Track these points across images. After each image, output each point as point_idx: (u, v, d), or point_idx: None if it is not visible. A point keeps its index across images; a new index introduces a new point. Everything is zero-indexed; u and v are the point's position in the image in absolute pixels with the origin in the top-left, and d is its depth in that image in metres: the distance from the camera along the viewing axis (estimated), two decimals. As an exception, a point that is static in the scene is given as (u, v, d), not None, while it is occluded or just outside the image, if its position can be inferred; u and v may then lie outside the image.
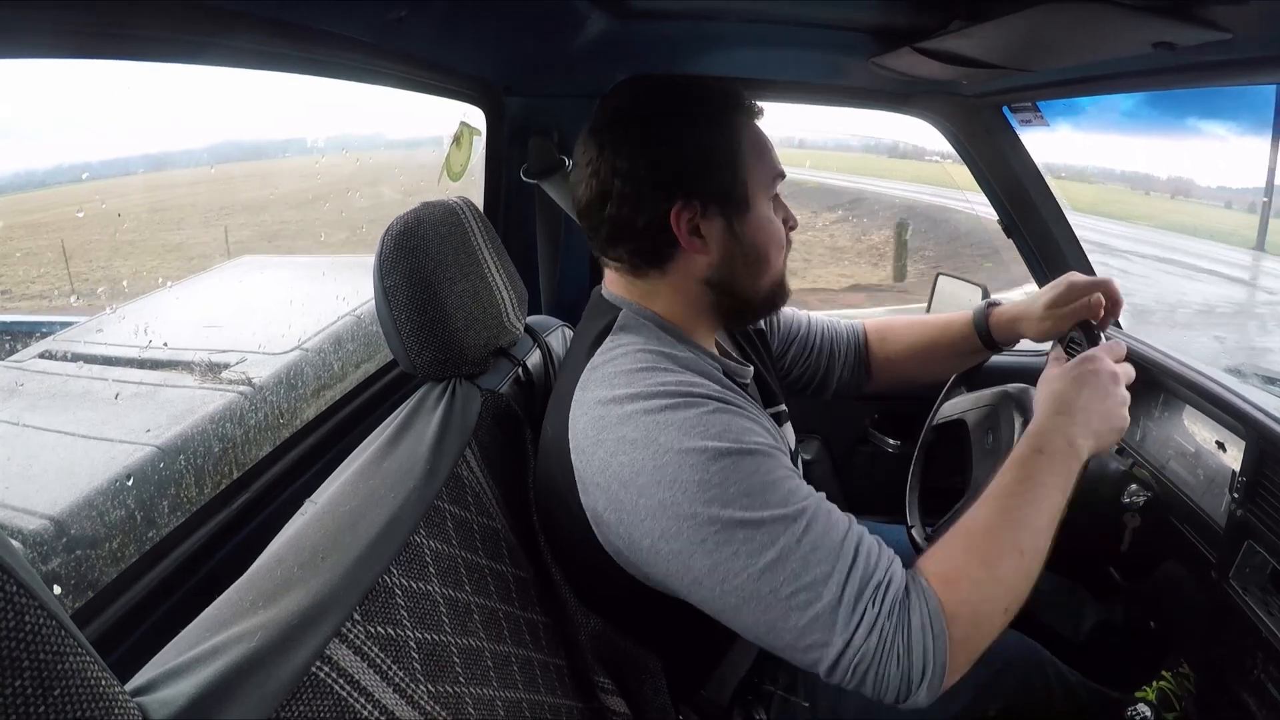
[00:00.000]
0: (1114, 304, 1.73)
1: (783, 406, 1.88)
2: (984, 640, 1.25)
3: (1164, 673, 2.01)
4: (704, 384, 1.36)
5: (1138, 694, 1.99)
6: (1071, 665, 1.88)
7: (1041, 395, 1.52)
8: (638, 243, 1.51)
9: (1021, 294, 2.82)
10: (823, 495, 1.31)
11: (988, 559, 1.28)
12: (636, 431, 1.29)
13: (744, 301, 1.57)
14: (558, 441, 1.42)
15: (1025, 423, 1.86)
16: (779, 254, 1.56)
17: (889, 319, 2.19)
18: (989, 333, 1.95)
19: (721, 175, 1.48)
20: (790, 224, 1.60)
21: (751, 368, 1.71)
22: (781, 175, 1.57)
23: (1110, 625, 2.23)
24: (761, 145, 1.54)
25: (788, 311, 2.13)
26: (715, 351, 1.61)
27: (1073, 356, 1.59)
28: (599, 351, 1.46)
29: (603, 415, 1.35)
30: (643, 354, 1.42)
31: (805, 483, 1.31)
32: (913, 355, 2.12)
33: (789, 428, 1.87)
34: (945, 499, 1.96)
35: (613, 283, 1.60)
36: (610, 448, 1.31)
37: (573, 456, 1.38)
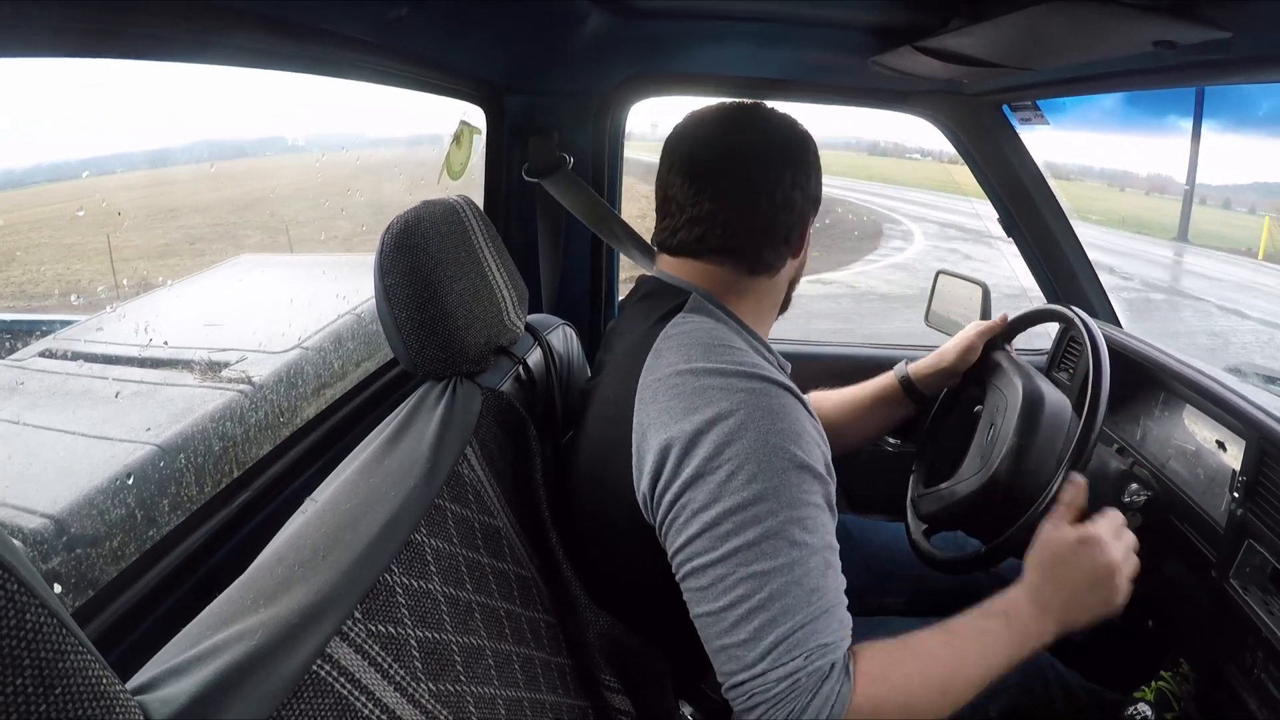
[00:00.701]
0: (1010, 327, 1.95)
1: None
2: None
3: (1163, 673, 2.01)
4: (777, 372, 1.41)
5: (1137, 694, 1.99)
6: (1071, 665, 1.88)
7: (1037, 556, 1.51)
8: (775, 250, 1.60)
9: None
10: (830, 541, 1.33)
11: (911, 681, 1.32)
12: (724, 398, 1.33)
13: (784, 305, 1.75)
14: (620, 405, 1.46)
15: (1022, 422, 1.87)
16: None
17: (814, 394, 2.23)
18: (912, 386, 2.07)
19: (819, 191, 1.64)
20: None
21: (789, 364, 1.72)
22: None
23: (1108, 625, 2.23)
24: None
25: None
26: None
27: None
28: (672, 323, 1.50)
29: (681, 382, 1.38)
30: (721, 330, 1.47)
31: (827, 518, 1.34)
32: (839, 411, 2.18)
33: None
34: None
35: (685, 270, 1.63)
36: (688, 402, 1.35)
37: (636, 413, 1.41)
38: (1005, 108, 2.62)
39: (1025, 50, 1.76)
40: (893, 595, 2.24)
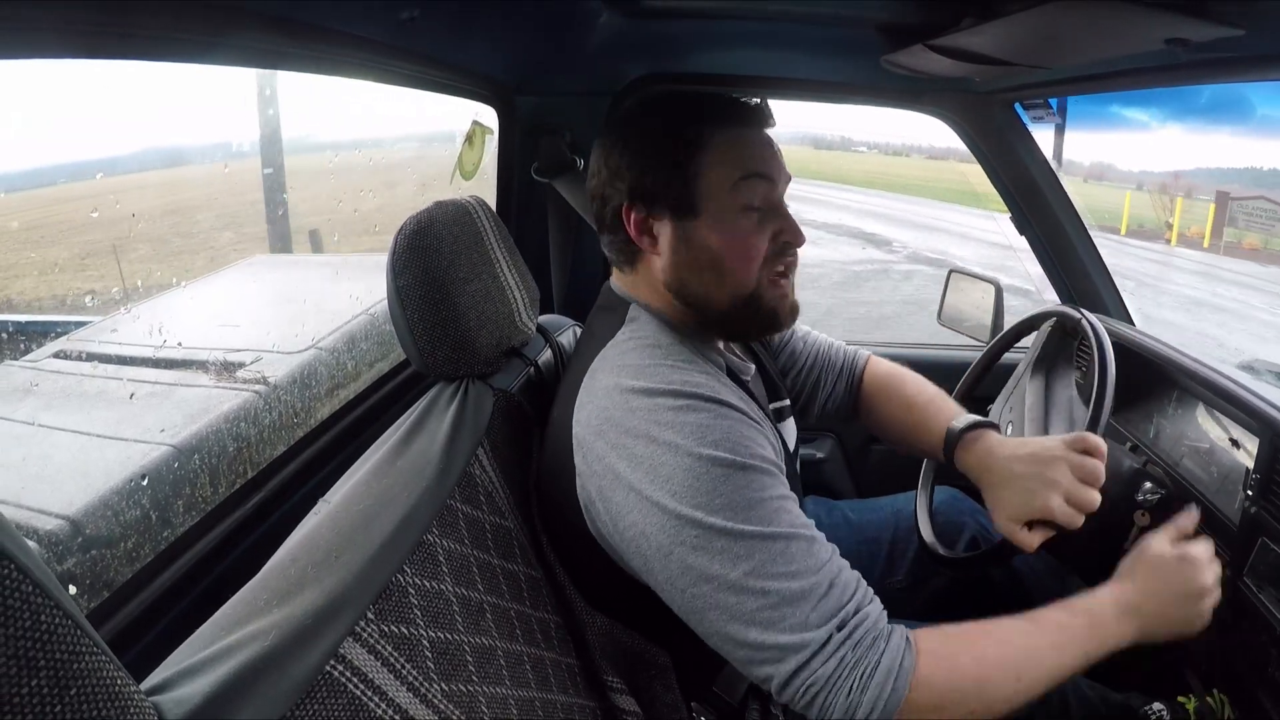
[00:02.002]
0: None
1: (786, 401, 1.90)
2: None
3: (1208, 696, 1.99)
4: (708, 385, 1.39)
5: (1180, 699, 1.98)
6: (1090, 676, 1.87)
7: (1133, 563, 1.51)
8: (610, 235, 1.59)
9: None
10: (812, 523, 1.33)
11: (984, 663, 1.30)
12: (639, 426, 1.33)
13: (708, 312, 1.57)
14: (562, 427, 1.45)
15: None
16: (744, 264, 1.54)
17: (893, 373, 2.12)
18: (953, 460, 1.80)
19: (667, 180, 1.52)
20: (783, 238, 1.56)
21: (753, 365, 1.73)
22: (765, 177, 1.54)
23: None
24: (732, 149, 1.53)
25: None
26: (719, 347, 1.63)
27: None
28: (610, 343, 1.50)
29: (606, 406, 1.38)
30: (651, 348, 1.46)
31: (797, 507, 1.34)
32: (886, 426, 2.08)
33: (791, 423, 1.89)
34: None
35: (616, 277, 1.64)
36: (611, 439, 1.34)
37: (574, 442, 1.41)
38: (1017, 106, 2.61)
39: (1038, 48, 1.76)
40: (895, 574, 2.25)
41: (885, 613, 1.31)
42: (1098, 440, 1.57)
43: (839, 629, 1.23)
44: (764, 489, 1.29)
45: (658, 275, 1.56)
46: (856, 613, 1.26)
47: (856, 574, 1.32)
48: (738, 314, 1.55)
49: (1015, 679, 1.29)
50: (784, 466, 1.41)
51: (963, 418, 1.80)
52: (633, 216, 1.54)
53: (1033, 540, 1.53)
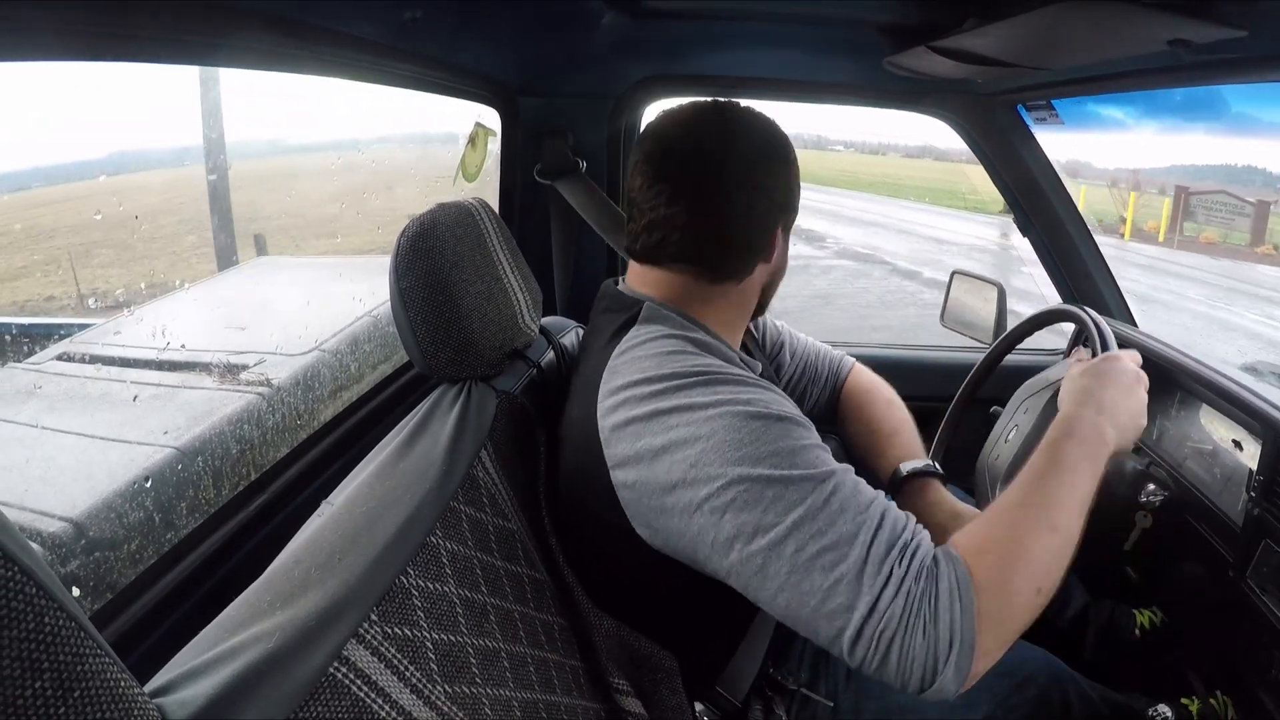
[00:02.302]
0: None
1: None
2: (1014, 619, 1.23)
3: (1211, 697, 1.99)
4: (729, 368, 1.40)
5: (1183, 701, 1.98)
6: (1093, 678, 1.87)
7: (1068, 389, 1.53)
8: (739, 256, 1.58)
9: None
10: (849, 467, 1.32)
11: (1019, 533, 1.27)
12: (669, 402, 1.33)
13: (765, 302, 1.72)
14: (585, 425, 1.44)
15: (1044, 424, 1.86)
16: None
17: (869, 392, 2.13)
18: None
19: (796, 199, 1.63)
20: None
21: (760, 363, 1.73)
22: None
23: (1103, 624, 2.22)
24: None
25: (771, 323, 2.15)
26: (735, 346, 1.64)
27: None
28: (625, 338, 1.49)
29: (633, 395, 1.38)
30: (671, 339, 1.45)
31: (822, 451, 1.33)
32: (854, 447, 2.08)
33: None
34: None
35: (648, 277, 1.62)
36: (644, 421, 1.34)
37: (602, 437, 1.40)
38: (1020, 107, 2.62)
39: (1040, 50, 1.76)
40: None
41: (928, 533, 1.29)
42: None
43: (899, 562, 1.20)
44: (802, 438, 1.30)
45: (759, 281, 1.64)
46: (913, 540, 1.24)
47: (896, 510, 1.30)
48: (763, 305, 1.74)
49: (1051, 530, 1.28)
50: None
51: (910, 463, 1.82)
52: (780, 232, 1.61)
53: None
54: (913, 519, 1.29)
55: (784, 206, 1.60)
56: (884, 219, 25.26)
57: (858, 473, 1.31)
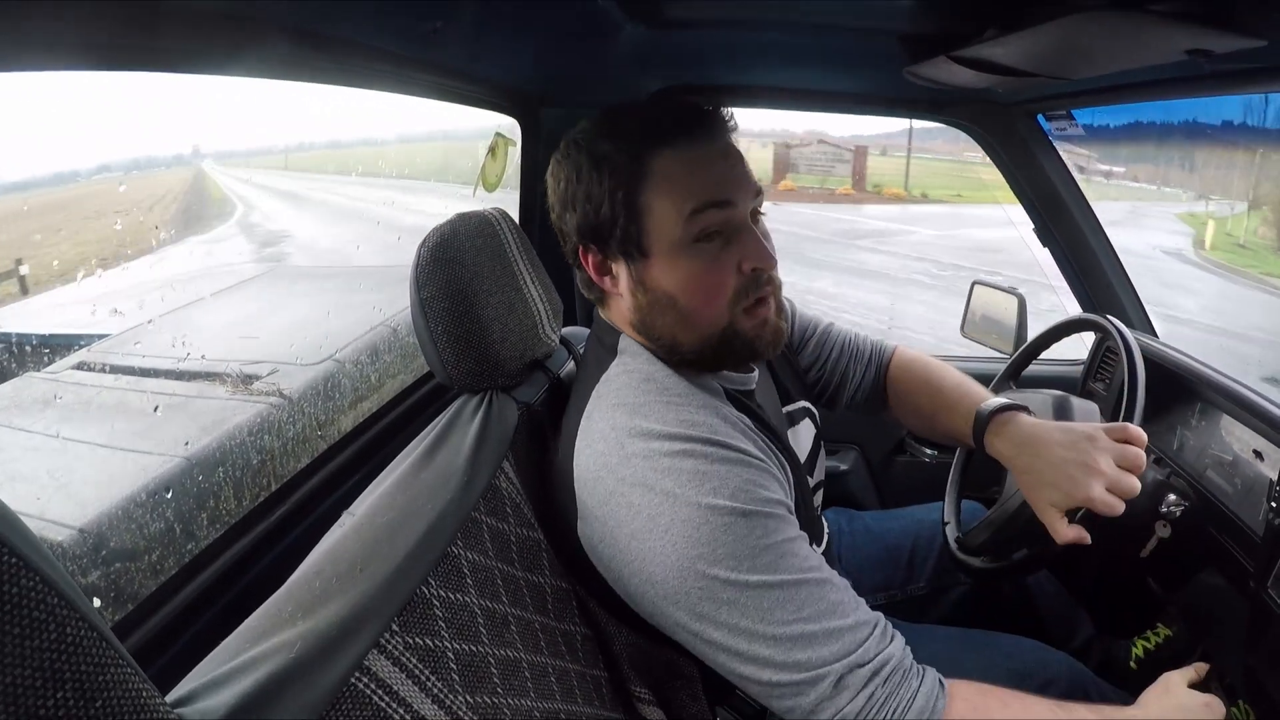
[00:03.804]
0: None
1: (802, 404, 1.88)
2: None
3: (1233, 707, 1.98)
4: (706, 422, 1.37)
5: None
6: (1113, 681, 1.87)
7: (1158, 697, 1.47)
8: (579, 272, 1.56)
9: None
10: (823, 563, 1.33)
11: None
12: (635, 475, 1.31)
13: (679, 352, 1.49)
14: (563, 470, 1.44)
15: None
16: (709, 303, 1.45)
17: (919, 362, 2.08)
18: (984, 444, 1.76)
19: (611, 220, 1.45)
20: (748, 264, 1.45)
21: (755, 372, 1.65)
22: (720, 204, 1.43)
23: (1101, 659, 2.22)
24: (678, 177, 1.43)
25: (807, 314, 2.07)
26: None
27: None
28: (604, 378, 1.48)
29: (604, 452, 1.37)
30: (644, 382, 1.44)
31: (807, 548, 1.33)
32: (916, 414, 2.04)
33: (807, 425, 1.86)
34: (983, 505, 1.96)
35: (599, 310, 1.62)
36: (609, 487, 1.33)
37: (575, 486, 1.39)
38: (1040, 117, 2.61)
39: (1060, 59, 1.75)
40: (915, 580, 2.23)
41: (909, 650, 1.31)
42: (1138, 430, 1.57)
43: (861, 665, 1.23)
44: (767, 534, 1.28)
45: (626, 315, 1.52)
46: (879, 650, 1.26)
47: (878, 614, 1.32)
48: (713, 352, 1.49)
49: None
50: (792, 493, 1.42)
51: (992, 400, 1.77)
52: (589, 258, 1.50)
53: (1070, 534, 1.52)
54: (884, 625, 1.32)
55: (577, 221, 1.47)
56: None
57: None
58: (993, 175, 2.82)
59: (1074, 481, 1.50)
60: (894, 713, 1.22)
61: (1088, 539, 1.52)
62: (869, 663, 1.24)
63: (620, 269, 1.48)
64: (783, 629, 1.23)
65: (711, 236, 1.43)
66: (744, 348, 1.50)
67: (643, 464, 1.31)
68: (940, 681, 1.29)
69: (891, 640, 1.30)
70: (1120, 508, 1.48)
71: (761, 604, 1.23)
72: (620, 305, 1.52)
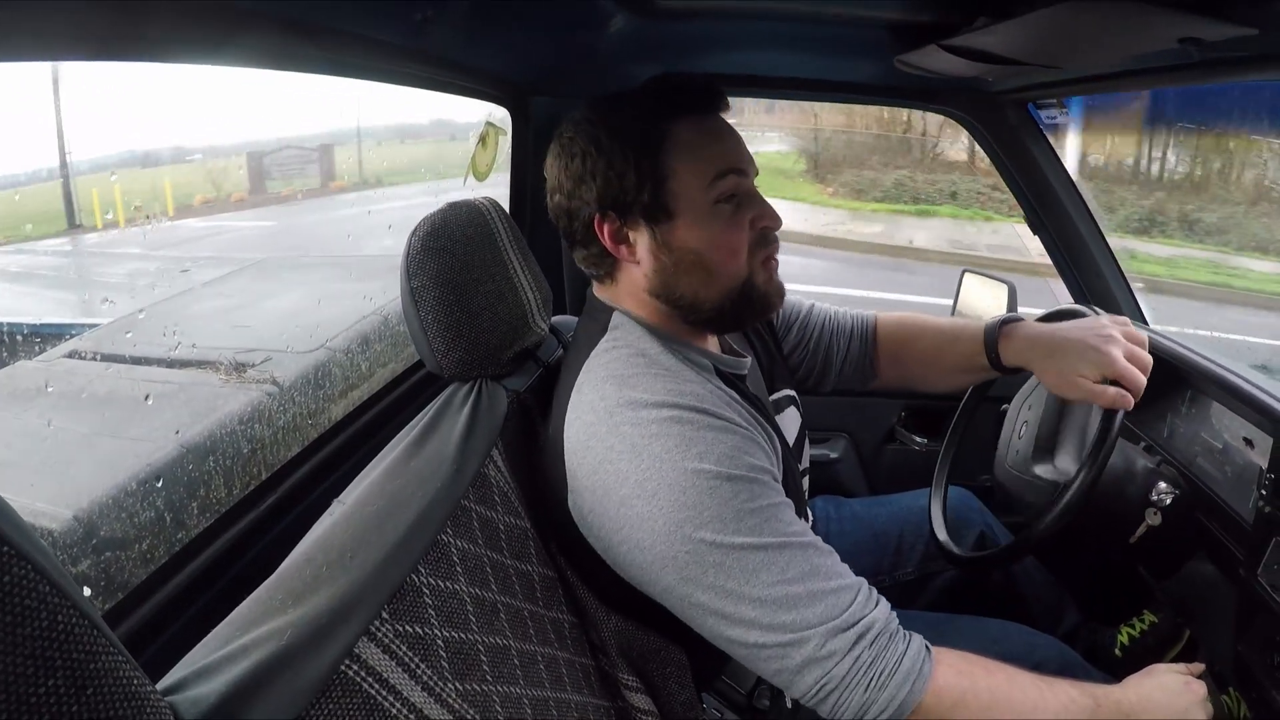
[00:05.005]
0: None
1: (787, 391, 1.89)
2: None
3: (1224, 695, 1.99)
4: (694, 393, 1.39)
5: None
6: (1103, 668, 1.88)
7: (1147, 676, 1.49)
8: (584, 250, 1.57)
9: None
10: (808, 529, 1.35)
11: (995, 693, 1.34)
12: (624, 443, 1.33)
13: (699, 311, 1.55)
14: (554, 443, 1.45)
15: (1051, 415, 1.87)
16: (731, 259, 1.52)
17: (907, 316, 2.12)
18: (998, 356, 1.83)
19: (637, 185, 1.49)
20: (760, 223, 1.54)
21: (748, 358, 1.71)
22: (738, 171, 1.52)
23: (1088, 645, 2.23)
24: (699, 145, 1.51)
25: (790, 297, 1.99)
26: (708, 347, 1.63)
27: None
28: (594, 353, 1.50)
29: (593, 422, 1.39)
30: (635, 356, 1.46)
31: (793, 513, 1.36)
32: (920, 361, 2.06)
33: (792, 413, 1.88)
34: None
35: (596, 288, 1.64)
36: (598, 455, 1.35)
37: (565, 457, 1.41)
38: (1031, 106, 2.61)
39: (1051, 48, 1.75)
40: (903, 565, 2.24)
41: (895, 614, 1.32)
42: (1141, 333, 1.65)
43: (847, 628, 1.25)
44: (754, 498, 1.30)
45: (640, 283, 1.54)
46: (864, 613, 1.28)
47: (861, 579, 1.34)
48: (732, 307, 1.55)
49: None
50: (779, 467, 1.44)
51: (991, 319, 1.84)
52: (605, 228, 1.51)
53: (1111, 392, 1.59)
54: (868, 590, 1.34)
55: (597, 192, 1.49)
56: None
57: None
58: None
59: (1096, 351, 1.59)
60: (880, 674, 1.24)
61: (1130, 399, 1.60)
62: (854, 625, 1.26)
63: (640, 235, 1.51)
64: (767, 590, 1.25)
65: (729, 199, 1.50)
66: (760, 300, 1.56)
67: (631, 431, 1.33)
68: (926, 647, 1.31)
69: (877, 604, 1.32)
70: (1141, 381, 1.58)
71: (747, 566, 1.25)
72: (633, 274, 1.54)
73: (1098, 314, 1.86)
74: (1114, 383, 1.60)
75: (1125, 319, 1.68)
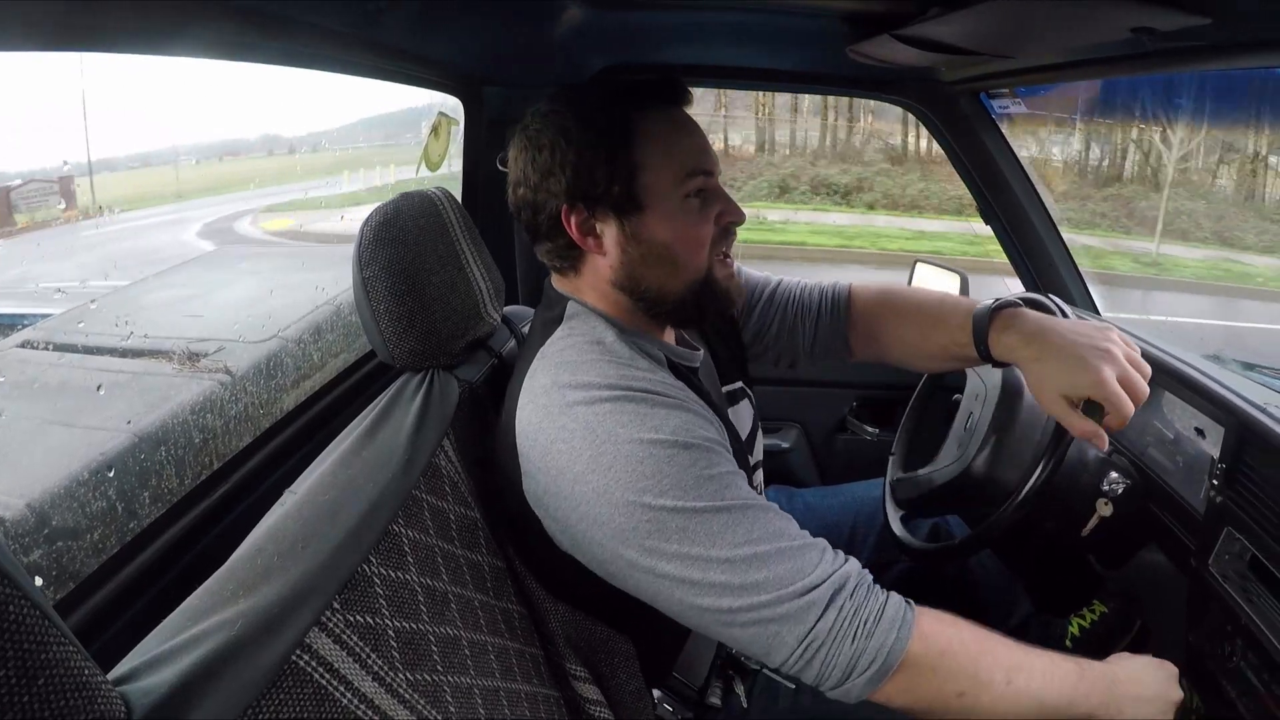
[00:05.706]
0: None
1: (739, 384, 1.88)
2: (928, 689, 1.29)
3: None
4: (646, 379, 1.39)
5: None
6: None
7: (1130, 657, 1.49)
8: (549, 242, 1.56)
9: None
10: (760, 494, 1.39)
11: (982, 646, 1.33)
12: (576, 422, 1.33)
13: (663, 303, 1.55)
14: (506, 429, 1.45)
15: (1001, 411, 1.88)
16: (696, 252, 1.53)
17: (886, 291, 2.01)
18: (989, 349, 1.69)
19: (608, 177, 1.48)
20: (725, 218, 1.55)
21: (701, 351, 1.71)
22: (705, 172, 1.53)
23: (1038, 636, 2.24)
24: (669, 139, 1.52)
25: (755, 276, 2.04)
26: (661, 338, 1.63)
27: None
28: (549, 341, 1.50)
29: (546, 405, 1.39)
30: (590, 345, 1.46)
31: (746, 483, 1.36)
32: (900, 343, 1.96)
33: (745, 406, 1.88)
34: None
35: (555, 280, 1.63)
36: (551, 435, 1.35)
37: (517, 442, 1.41)
38: (983, 96, 2.63)
39: (1004, 37, 1.76)
40: (856, 555, 2.24)
41: (856, 562, 1.33)
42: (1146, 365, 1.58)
43: (820, 583, 1.25)
44: (710, 465, 1.31)
45: (604, 274, 1.54)
46: (836, 567, 1.28)
47: (823, 539, 1.34)
48: (692, 300, 1.55)
49: (1006, 680, 1.30)
50: (730, 449, 1.42)
51: (985, 303, 1.74)
52: (573, 220, 1.50)
53: (1085, 426, 1.51)
54: (833, 550, 1.34)
55: (565, 184, 1.48)
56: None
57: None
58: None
59: (1086, 365, 1.49)
60: (865, 623, 1.24)
61: (1104, 436, 1.53)
62: (829, 578, 1.26)
63: (608, 227, 1.51)
64: (734, 550, 1.24)
65: (695, 197, 1.51)
66: (721, 295, 1.58)
67: (584, 410, 1.33)
68: (905, 600, 1.31)
69: (847, 561, 1.32)
70: (1128, 410, 1.49)
71: (710, 528, 1.25)
72: (598, 266, 1.54)
73: (1054, 302, 1.87)
74: (1099, 403, 1.51)
75: (1134, 343, 1.58)
